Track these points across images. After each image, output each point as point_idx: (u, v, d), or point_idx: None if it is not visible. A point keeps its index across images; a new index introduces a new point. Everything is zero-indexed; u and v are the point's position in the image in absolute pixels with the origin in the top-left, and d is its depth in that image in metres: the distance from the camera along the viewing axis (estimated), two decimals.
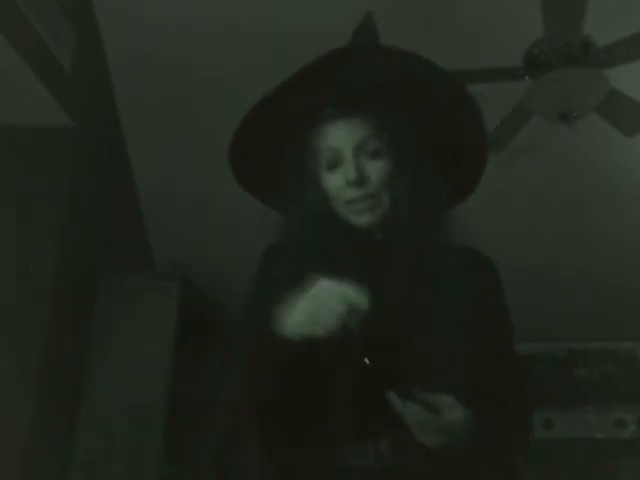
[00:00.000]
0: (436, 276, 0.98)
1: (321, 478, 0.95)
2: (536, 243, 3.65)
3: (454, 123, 1.09)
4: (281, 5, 2.65)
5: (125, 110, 3.10)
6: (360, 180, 1.02)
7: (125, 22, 2.76)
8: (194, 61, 2.87)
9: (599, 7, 2.24)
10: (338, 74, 1.02)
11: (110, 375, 2.67)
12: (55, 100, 2.52)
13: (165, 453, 2.59)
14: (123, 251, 3.30)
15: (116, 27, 2.80)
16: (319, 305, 0.86)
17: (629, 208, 3.51)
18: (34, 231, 2.53)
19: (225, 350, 3.29)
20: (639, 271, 3.75)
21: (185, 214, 3.55)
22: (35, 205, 2.57)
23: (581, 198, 3.47)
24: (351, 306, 0.84)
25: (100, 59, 2.90)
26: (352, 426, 0.93)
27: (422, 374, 0.89)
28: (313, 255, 1.01)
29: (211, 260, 3.65)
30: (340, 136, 1.04)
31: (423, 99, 1.06)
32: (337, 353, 0.88)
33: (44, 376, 2.42)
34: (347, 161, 1.03)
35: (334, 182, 1.05)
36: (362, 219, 1.04)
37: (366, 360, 0.86)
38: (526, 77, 2.48)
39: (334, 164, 1.05)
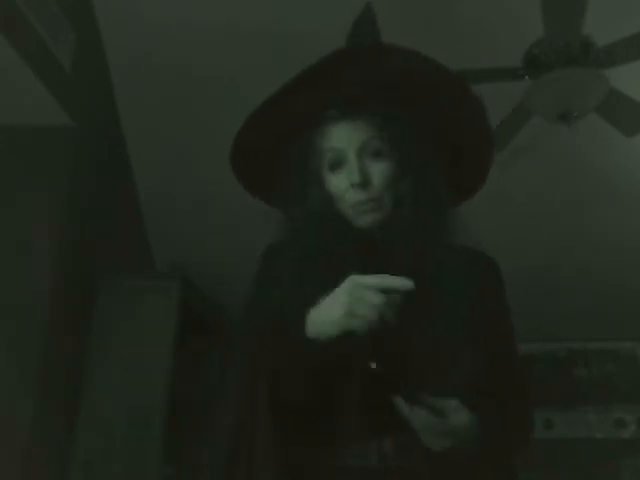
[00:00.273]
0: (437, 277, 0.98)
1: (325, 478, 0.95)
2: (536, 243, 3.65)
3: (458, 122, 1.08)
4: (281, 5, 2.65)
5: (125, 110, 3.11)
6: (364, 182, 1.01)
7: (125, 22, 2.76)
8: (194, 61, 2.86)
9: (599, 7, 2.24)
10: (341, 75, 1.02)
11: (110, 375, 2.67)
12: (55, 100, 2.52)
13: (165, 453, 2.59)
14: (123, 251, 3.30)
15: (116, 27, 2.80)
16: (357, 299, 0.85)
17: (629, 208, 3.51)
18: (34, 231, 2.53)
19: (225, 350, 3.29)
20: (639, 271, 3.75)
21: (185, 214, 3.55)
22: (35, 205, 2.57)
23: (581, 198, 3.47)
24: (388, 297, 0.84)
25: (100, 59, 2.90)
26: (356, 426, 0.93)
27: (426, 376, 0.89)
28: (313, 255, 1.01)
29: (211, 260, 3.65)
30: (343, 137, 1.04)
31: (426, 98, 1.05)
32: (351, 353, 0.88)
33: (44, 376, 2.42)
34: (350, 162, 1.03)
35: (337, 183, 1.05)
36: (364, 220, 1.03)
37: (372, 365, 0.86)
38: (526, 77, 2.48)
39: (337, 165, 1.05)
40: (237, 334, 1.13)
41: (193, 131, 3.15)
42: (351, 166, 1.03)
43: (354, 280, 0.87)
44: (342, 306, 0.86)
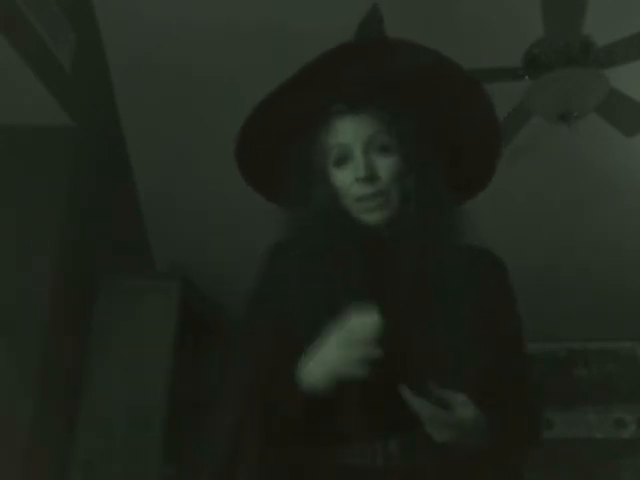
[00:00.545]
0: (442, 275, 0.97)
1: (329, 478, 0.95)
2: (536, 243, 3.65)
3: (465, 116, 1.07)
4: (281, 5, 2.65)
5: (125, 110, 3.10)
6: (370, 177, 1.00)
7: (125, 22, 2.76)
8: (194, 61, 2.86)
9: (599, 7, 2.24)
10: (346, 70, 1.01)
11: (110, 375, 2.67)
12: (55, 100, 2.52)
13: (165, 453, 2.59)
14: (123, 251, 3.30)
15: (116, 27, 2.79)
16: (340, 359, 0.87)
17: (629, 208, 3.51)
18: (34, 231, 2.53)
19: (225, 350, 3.28)
20: (639, 271, 3.75)
21: (185, 214, 3.55)
22: (35, 205, 2.57)
23: (581, 198, 3.47)
24: (368, 347, 0.85)
25: (100, 59, 2.90)
26: (361, 426, 0.93)
27: (429, 374, 0.89)
28: (318, 252, 1.00)
29: (211, 260, 3.64)
30: (349, 132, 1.03)
31: (433, 93, 1.04)
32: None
33: (44, 376, 2.42)
34: (356, 157, 1.02)
35: (343, 179, 1.04)
36: (372, 217, 1.02)
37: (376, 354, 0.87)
38: (526, 77, 2.48)
39: (343, 160, 1.04)
40: (237, 333, 1.12)
41: (193, 131, 3.15)
42: (357, 161, 1.02)
43: (330, 344, 0.88)
44: (326, 369, 0.88)
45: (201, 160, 3.24)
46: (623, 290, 3.83)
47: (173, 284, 2.90)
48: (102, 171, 3.01)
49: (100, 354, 2.72)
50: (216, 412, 1.06)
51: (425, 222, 1.01)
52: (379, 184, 1.01)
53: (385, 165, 1.02)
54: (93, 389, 2.66)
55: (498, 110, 1.09)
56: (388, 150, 1.03)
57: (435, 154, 1.06)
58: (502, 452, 0.97)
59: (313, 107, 1.05)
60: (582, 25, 2.23)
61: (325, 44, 1.02)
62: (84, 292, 2.78)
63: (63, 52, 2.53)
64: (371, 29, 1.09)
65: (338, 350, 0.87)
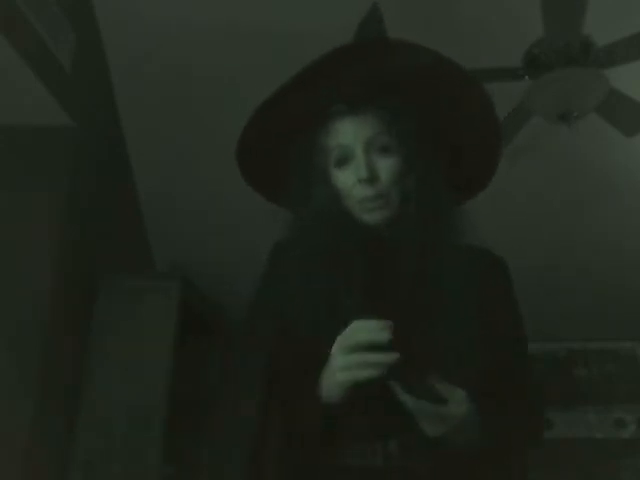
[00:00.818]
0: (442, 275, 0.98)
1: (329, 478, 0.95)
2: (536, 243, 3.65)
3: (466, 116, 1.07)
4: (281, 5, 2.65)
5: (125, 110, 3.10)
6: (371, 178, 1.00)
7: (125, 22, 2.76)
8: (194, 61, 2.86)
9: (599, 7, 2.24)
10: (346, 70, 1.01)
11: (110, 375, 2.67)
12: (55, 100, 2.52)
13: (165, 453, 2.59)
14: (123, 251, 3.30)
15: (116, 27, 2.79)
16: (354, 365, 0.86)
17: (629, 208, 3.51)
18: (34, 231, 2.53)
19: (225, 350, 3.29)
20: (639, 271, 3.75)
21: (185, 214, 3.55)
22: (35, 205, 2.57)
23: (581, 198, 3.47)
24: (381, 357, 0.84)
25: (100, 59, 2.90)
26: (361, 426, 0.93)
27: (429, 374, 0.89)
28: (320, 253, 1.00)
29: (211, 260, 3.65)
30: (350, 133, 1.03)
31: (433, 93, 1.04)
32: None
33: (44, 376, 2.42)
34: (357, 158, 1.02)
35: (345, 180, 1.04)
36: (372, 217, 1.03)
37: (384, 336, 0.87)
38: (526, 77, 2.48)
39: (344, 161, 1.04)
40: (238, 333, 1.13)
41: (193, 131, 3.15)
42: (358, 162, 1.02)
43: (341, 346, 0.88)
44: (339, 366, 0.88)
45: (201, 160, 3.24)
46: (623, 290, 3.83)
47: (173, 284, 2.90)
48: (102, 171, 3.01)
49: (100, 354, 2.72)
50: (226, 411, 1.05)
51: (425, 222, 1.01)
52: (379, 186, 1.02)
53: (386, 166, 1.02)
54: (93, 389, 2.66)
55: (498, 110, 1.09)
56: (388, 151, 1.03)
57: (435, 154, 1.06)
58: (502, 452, 0.97)
59: (314, 107, 1.05)
60: (582, 25, 2.23)
61: (325, 44, 1.02)
62: (84, 292, 2.78)
63: (63, 52, 2.53)
64: (371, 29, 1.08)
65: (344, 358, 0.87)
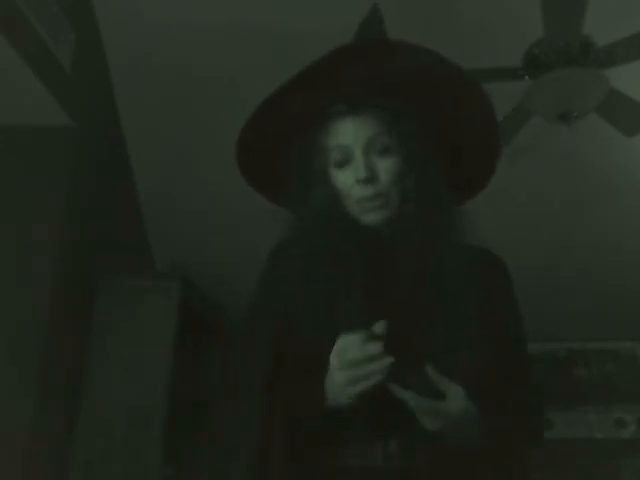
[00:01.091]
0: (442, 275, 0.98)
1: (329, 478, 0.95)
2: (536, 243, 3.65)
3: (465, 117, 1.08)
4: (281, 5, 2.65)
5: (125, 110, 3.10)
6: (370, 178, 1.01)
7: (125, 22, 2.76)
8: (194, 61, 2.86)
9: (599, 7, 2.24)
10: (346, 71, 1.01)
11: (110, 375, 2.67)
12: (55, 100, 2.52)
13: (165, 453, 2.59)
14: (123, 251, 3.30)
15: (116, 27, 2.79)
16: (353, 377, 0.88)
17: (629, 208, 3.51)
18: (34, 231, 2.53)
19: (225, 350, 3.29)
20: (639, 271, 3.74)
21: (185, 214, 3.55)
22: (35, 205, 2.57)
23: (581, 198, 3.47)
24: (377, 367, 0.86)
25: (100, 59, 2.90)
26: (361, 426, 0.93)
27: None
28: (319, 253, 1.00)
29: (211, 260, 3.65)
30: (350, 133, 1.03)
31: (433, 94, 1.05)
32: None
33: (44, 376, 2.42)
34: (357, 159, 1.02)
35: (344, 180, 1.04)
36: (372, 217, 1.03)
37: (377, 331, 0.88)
38: (526, 77, 2.48)
39: (344, 162, 1.04)
40: (238, 333, 1.13)
41: (193, 131, 3.15)
42: (357, 162, 1.02)
43: (341, 363, 0.89)
44: (344, 382, 0.89)
45: (201, 160, 3.24)
46: (623, 290, 3.83)
47: (173, 284, 2.90)
48: (102, 171, 3.01)
49: (100, 354, 2.72)
50: (230, 411, 1.06)
51: (425, 222, 1.01)
52: (379, 186, 1.02)
53: (385, 166, 1.02)
54: (93, 389, 2.66)
55: (498, 110, 1.09)
56: (388, 151, 1.03)
57: (435, 154, 1.06)
58: (502, 452, 0.97)
59: (314, 107, 1.05)
60: (582, 25, 2.23)
61: (325, 44, 1.02)
62: (84, 292, 2.78)
63: (63, 52, 2.53)
64: (372, 29, 1.09)
65: (348, 374, 0.88)
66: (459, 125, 1.08)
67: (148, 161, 3.30)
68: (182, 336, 2.85)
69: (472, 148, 1.10)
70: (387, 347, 0.86)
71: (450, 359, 0.90)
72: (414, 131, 1.04)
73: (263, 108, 1.06)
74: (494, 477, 0.95)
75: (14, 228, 2.52)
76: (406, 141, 1.03)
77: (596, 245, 3.65)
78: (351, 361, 0.87)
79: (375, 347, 0.85)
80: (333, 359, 0.90)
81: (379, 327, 0.86)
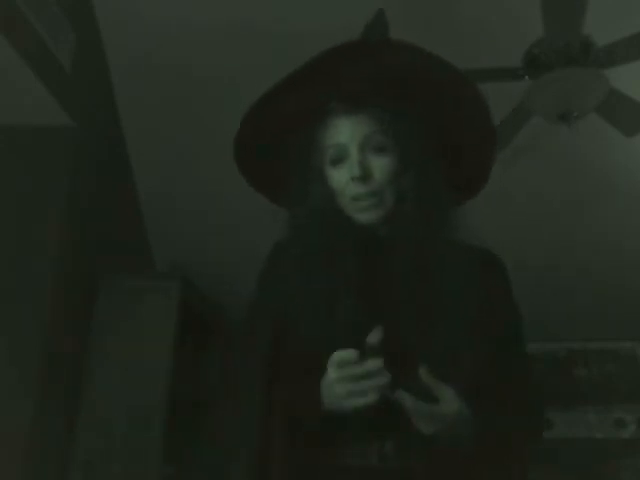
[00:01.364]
0: (440, 274, 0.98)
1: (329, 477, 0.95)
2: (536, 243, 3.65)
3: (461, 119, 1.08)
4: (281, 5, 2.65)
5: (125, 110, 3.10)
6: (364, 176, 1.01)
7: (125, 22, 2.76)
8: (194, 61, 2.86)
9: (599, 7, 2.24)
10: (344, 69, 1.01)
11: (110, 375, 2.67)
12: (55, 100, 2.52)
13: (165, 453, 2.59)
14: (123, 251, 3.30)
15: (116, 27, 2.79)
16: (351, 390, 0.88)
17: (629, 208, 3.51)
18: (34, 231, 2.53)
19: (225, 350, 3.29)
20: (639, 271, 3.74)
21: (185, 214, 3.55)
22: (35, 205, 2.57)
23: (581, 198, 3.47)
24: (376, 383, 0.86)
25: (100, 59, 2.90)
26: (359, 427, 0.93)
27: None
28: (315, 252, 1.00)
29: (211, 260, 3.65)
30: (345, 132, 1.04)
31: (430, 95, 1.05)
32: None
33: (44, 376, 2.42)
34: (352, 157, 1.02)
35: (339, 178, 1.04)
36: (366, 216, 1.03)
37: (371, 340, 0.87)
38: (526, 77, 2.48)
39: (339, 160, 1.04)
40: (238, 333, 1.13)
41: (193, 131, 3.15)
42: (352, 160, 1.02)
43: (339, 377, 0.89)
44: (343, 394, 0.89)
45: (201, 160, 3.24)
46: (623, 290, 3.83)
47: (173, 284, 2.90)
48: (102, 171, 3.01)
49: (100, 354, 2.72)
50: (231, 411, 1.06)
51: (424, 221, 1.01)
52: (373, 184, 1.02)
53: (380, 165, 1.02)
54: (93, 389, 2.66)
55: (498, 110, 1.09)
56: (384, 150, 1.03)
57: (434, 154, 1.06)
58: (500, 452, 0.97)
59: (311, 104, 1.05)
60: (582, 25, 2.23)
61: (325, 44, 1.02)
62: (84, 292, 2.78)
63: (63, 52, 2.53)
64: (376, 33, 1.09)
65: (346, 387, 0.89)
66: (454, 125, 1.08)
67: (148, 161, 3.30)
68: (182, 336, 2.85)
69: (468, 148, 1.10)
70: (385, 347, 0.86)
71: (449, 359, 0.90)
72: (410, 130, 1.04)
73: (260, 104, 1.06)
74: (491, 477, 0.95)
75: (14, 228, 2.52)
76: (402, 140, 1.03)
77: (596, 245, 3.65)
78: (351, 376, 0.87)
79: (374, 364, 0.85)
80: (331, 371, 0.90)
81: (375, 335, 0.86)
